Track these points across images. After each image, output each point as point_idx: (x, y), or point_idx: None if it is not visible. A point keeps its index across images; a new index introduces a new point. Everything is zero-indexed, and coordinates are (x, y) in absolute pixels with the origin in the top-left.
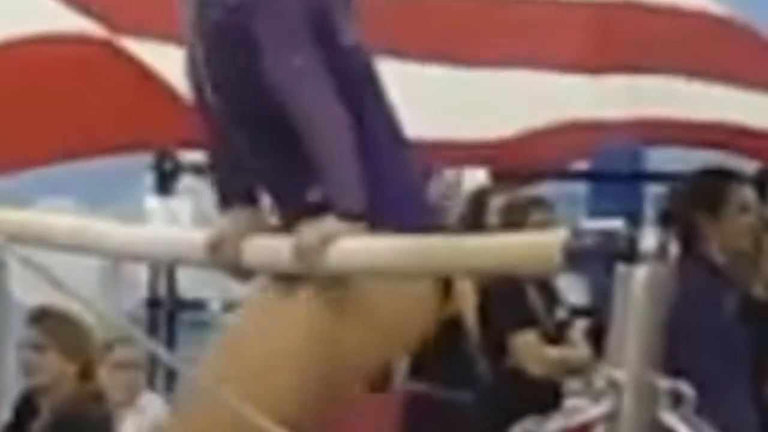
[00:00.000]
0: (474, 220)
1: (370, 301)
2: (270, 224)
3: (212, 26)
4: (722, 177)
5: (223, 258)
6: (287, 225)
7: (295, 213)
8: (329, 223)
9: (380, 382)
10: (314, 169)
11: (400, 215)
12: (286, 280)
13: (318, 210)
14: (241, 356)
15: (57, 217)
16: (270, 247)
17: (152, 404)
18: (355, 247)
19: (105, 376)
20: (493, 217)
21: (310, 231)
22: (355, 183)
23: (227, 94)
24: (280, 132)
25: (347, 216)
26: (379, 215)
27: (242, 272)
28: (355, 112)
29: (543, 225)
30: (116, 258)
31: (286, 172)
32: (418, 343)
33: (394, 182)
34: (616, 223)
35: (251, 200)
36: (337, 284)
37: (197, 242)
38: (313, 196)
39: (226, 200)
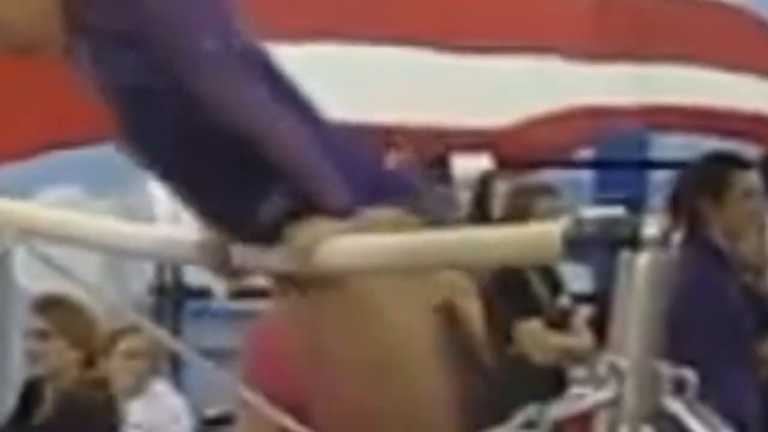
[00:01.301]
0: (479, 204)
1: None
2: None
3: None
4: (726, 162)
5: (212, 260)
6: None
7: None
8: (318, 222)
9: None
10: (266, 179)
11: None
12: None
13: (276, 225)
14: None
15: (62, 211)
16: (259, 250)
17: (162, 392)
18: (348, 245)
19: (113, 365)
20: (498, 201)
21: (302, 231)
22: (332, 178)
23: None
24: (218, 148)
25: (335, 214)
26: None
27: (233, 273)
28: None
29: (550, 212)
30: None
31: (232, 192)
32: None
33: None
34: (618, 211)
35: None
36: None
37: (185, 241)
38: (268, 212)
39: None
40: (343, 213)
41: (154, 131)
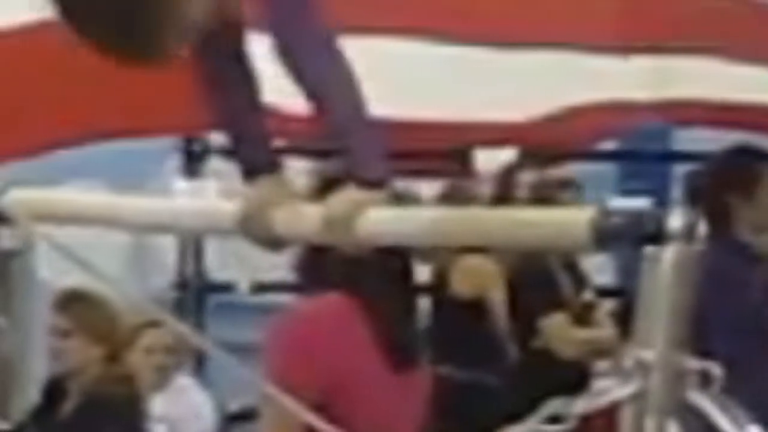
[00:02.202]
0: (502, 197)
1: None
2: (297, 193)
3: None
4: (755, 157)
5: (254, 228)
6: (316, 193)
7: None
8: (356, 192)
9: (405, 361)
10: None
11: None
12: None
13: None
14: None
15: (83, 194)
16: (299, 216)
17: (185, 386)
18: (382, 217)
19: (136, 360)
20: (522, 192)
21: (340, 201)
22: (380, 149)
23: None
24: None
25: (373, 185)
26: None
27: (273, 243)
28: None
29: (572, 205)
30: (145, 230)
31: None
32: None
33: None
34: (643, 203)
35: (275, 170)
36: None
37: (226, 213)
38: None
39: (249, 172)
40: (378, 185)
41: None
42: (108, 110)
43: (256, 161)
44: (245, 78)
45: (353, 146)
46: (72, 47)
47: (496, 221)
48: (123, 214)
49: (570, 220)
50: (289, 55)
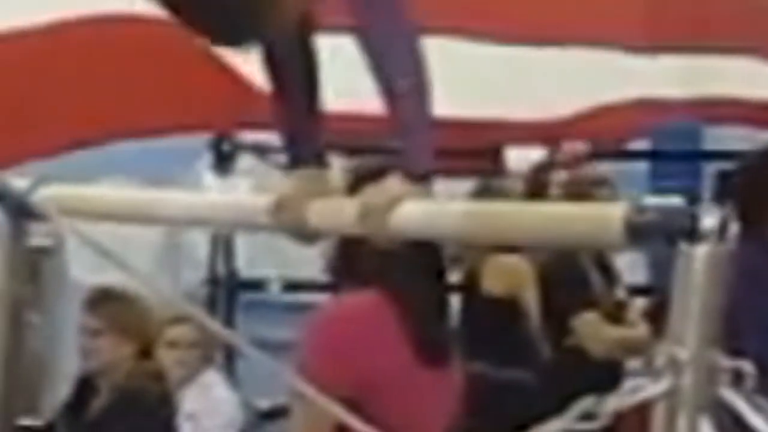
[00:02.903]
0: (535, 193)
1: None
2: (335, 186)
3: None
4: None
5: (287, 219)
6: (348, 189)
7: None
8: (396, 184)
9: (437, 357)
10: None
11: None
12: None
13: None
14: None
15: (115, 190)
16: (334, 208)
17: (212, 383)
18: (417, 210)
19: (165, 356)
20: (554, 190)
21: (377, 192)
22: (431, 147)
23: None
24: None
25: (419, 178)
26: None
27: (306, 235)
28: None
29: (608, 202)
30: (178, 225)
31: None
32: None
33: None
34: (677, 201)
35: (320, 163)
36: None
37: (259, 206)
38: None
39: (294, 161)
40: (424, 179)
41: None
42: (136, 109)
43: (302, 153)
44: (309, 71)
45: (412, 143)
46: (100, 45)
47: (529, 217)
48: (156, 210)
49: (603, 216)
50: (372, 48)
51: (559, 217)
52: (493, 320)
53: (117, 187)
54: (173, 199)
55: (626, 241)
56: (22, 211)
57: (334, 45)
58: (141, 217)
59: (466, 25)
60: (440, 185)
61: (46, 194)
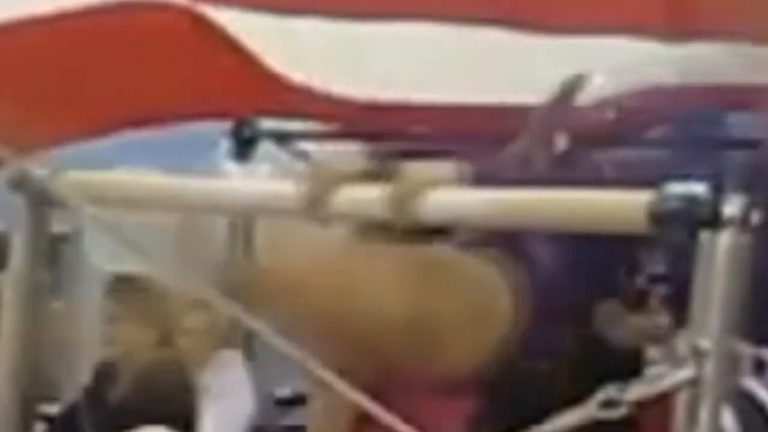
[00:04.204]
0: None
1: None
2: (362, 173)
3: None
4: None
5: (309, 208)
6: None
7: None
8: (422, 170)
9: None
10: None
11: None
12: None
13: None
14: None
15: (136, 176)
16: (362, 193)
17: (230, 361)
18: (444, 197)
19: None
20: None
21: (405, 178)
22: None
23: None
24: None
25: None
26: None
27: (330, 219)
28: None
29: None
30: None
31: None
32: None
33: None
34: (699, 188)
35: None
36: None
37: (283, 193)
38: None
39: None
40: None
41: None
42: (155, 96)
43: None
44: None
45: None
46: (119, 32)
47: (554, 203)
48: (178, 196)
49: (627, 202)
50: None
51: (583, 203)
52: None
53: (137, 174)
54: (194, 186)
55: (649, 228)
56: (43, 198)
57: (377, 32)
58: (162, 204)
59: (481, 14)
60: None
61: (66, 180)
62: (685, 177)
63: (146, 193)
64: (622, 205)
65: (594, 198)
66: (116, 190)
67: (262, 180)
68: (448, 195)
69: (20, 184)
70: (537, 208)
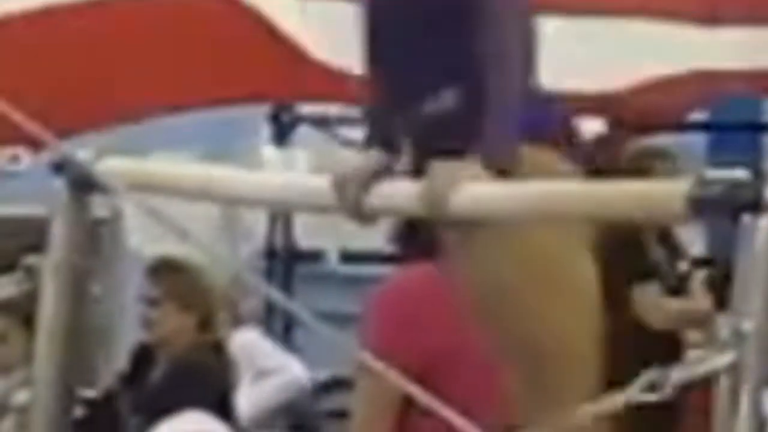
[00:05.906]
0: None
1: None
2: (400, 168)
3: None
4: None
5: (346, 198)
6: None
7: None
8: (466, 166)
9: None
10: (450, 74)
11: None
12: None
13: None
14: None
15: (177, 165)
16: (396, 189)
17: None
18: (479, 191)
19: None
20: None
21: (438, 174)
22: (508, 129)
23: None
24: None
25: (495, 164)
26: None
27: (364, 215)
28: None
29: (670, 175)
30: (237, 204)
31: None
32: None
33: None
34: (741, 173)
35: (391, 147)
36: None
37: (319, 187)
38: (430, 108)
39: (368, 142)
40: (491, 161)
41: None
42: (194, 80)
43: (379, 133)
44: None
45: (498, 121)
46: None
47: (592, 194)
48: (216, 187)
49: (667, 192)
50: (486, 20)
51: (623, 194)
52: None
53: (177, 162)
54: (234, 178)
55: (688, 215)
56: (85, 183)
57: None
58: (201, 194)
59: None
60: None
61: (108, 166)
62: (723, 162)
63: (185, 183)
64: (662, 195)
65: (634, 188)
66: (156, 178)
67: (298, 173)
68: (483, 189)
69: (62, 168)
70: (576, 199)
